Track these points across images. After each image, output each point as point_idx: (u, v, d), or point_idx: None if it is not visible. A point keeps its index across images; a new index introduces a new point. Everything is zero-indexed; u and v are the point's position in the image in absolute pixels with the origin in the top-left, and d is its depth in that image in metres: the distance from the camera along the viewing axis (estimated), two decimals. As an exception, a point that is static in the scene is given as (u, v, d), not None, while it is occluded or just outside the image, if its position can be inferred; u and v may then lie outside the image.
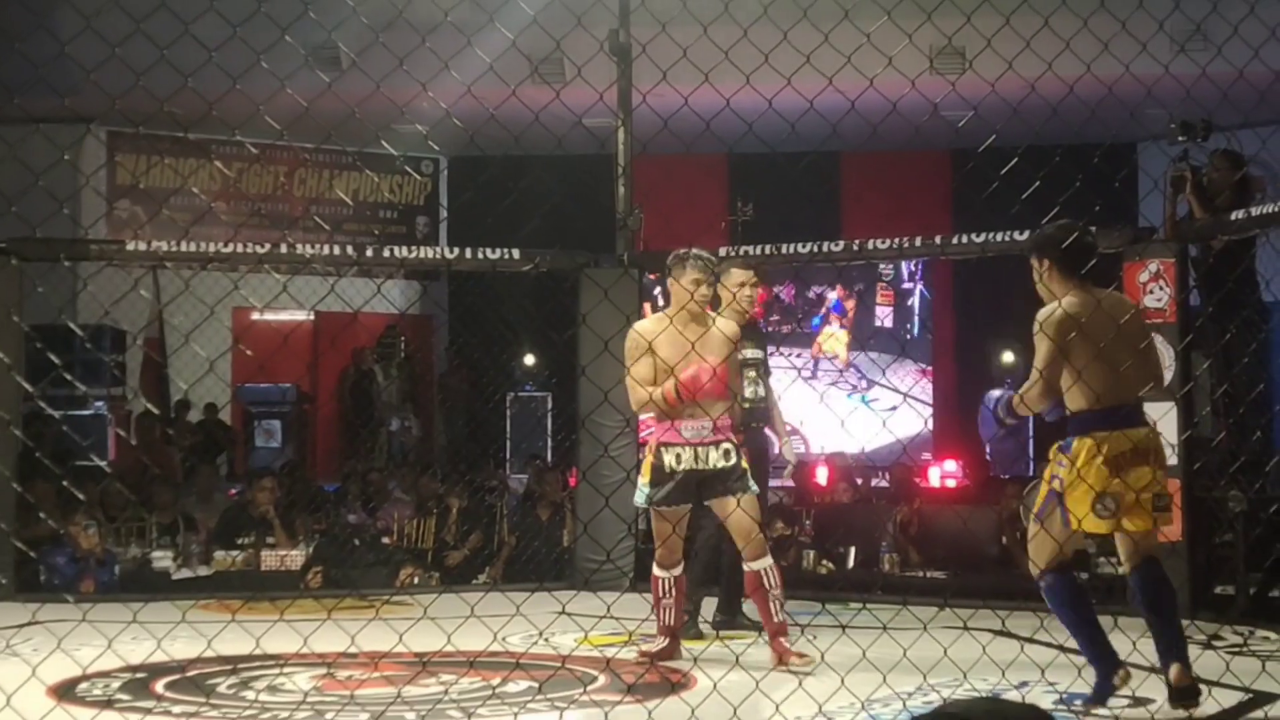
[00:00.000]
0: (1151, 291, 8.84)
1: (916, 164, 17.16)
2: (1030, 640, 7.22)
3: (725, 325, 7.06)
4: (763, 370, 7.97)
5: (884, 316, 17.45)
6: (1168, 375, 8.63)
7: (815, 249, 10.05)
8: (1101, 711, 5.69)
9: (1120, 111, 7.02)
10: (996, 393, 6.09)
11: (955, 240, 9.60)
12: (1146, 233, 9.33)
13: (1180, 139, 9.38)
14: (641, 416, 7.37)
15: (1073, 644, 6.73)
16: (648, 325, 7.01)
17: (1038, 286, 5.73)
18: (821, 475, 12.87)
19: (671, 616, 7.04)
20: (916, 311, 17.58)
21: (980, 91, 6.60)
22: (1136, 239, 9.11)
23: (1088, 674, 6.02)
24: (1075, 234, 5.67)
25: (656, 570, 7.03)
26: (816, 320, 17.33)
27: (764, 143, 6.72)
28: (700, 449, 6.81)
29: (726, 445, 6.86)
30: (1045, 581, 5.71)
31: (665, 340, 6.72)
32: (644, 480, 6.92)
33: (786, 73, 5.31)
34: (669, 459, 6.81)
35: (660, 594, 7.02)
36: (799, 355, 17.18)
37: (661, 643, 7.01)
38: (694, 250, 6.95)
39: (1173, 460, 8.53)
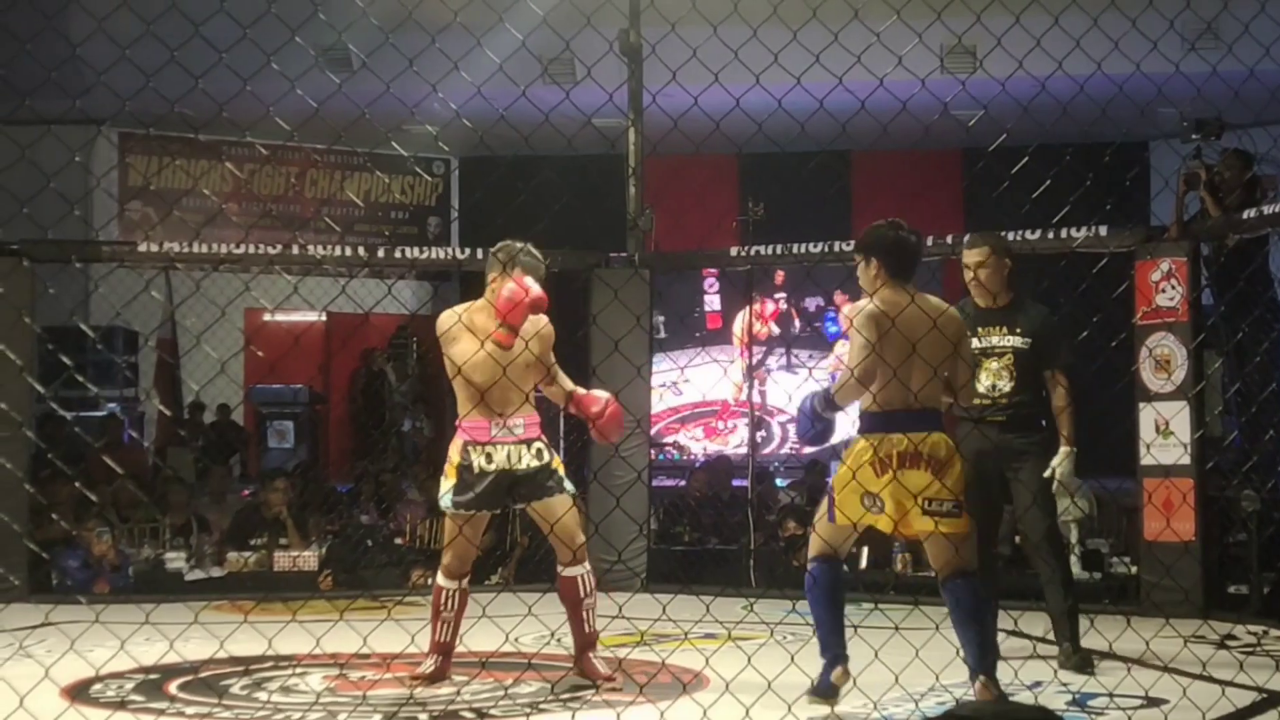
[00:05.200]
0: (1164, 290, 8.83)
1: (927, 163, 17.14)
2: (1043, 640, 7.23)
3: (544, 323, 6.56)
4: None
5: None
6: (1179, 374, 8.65)
7: (826, 249, 10.05)
8: (1114, 711, 5.69)
9: (1131, 110, 6.99)
10: (810, 399, 5.90)
11: (966, 239, 9.56)
12: (1158, 232, 9.31)
13: (1193, 137, 9.37)
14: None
15: (1085, 643, 6.75)
16: (461, 311, 6.41)
17: (862, 283, 5.75)
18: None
19: (449, 633, 6.43)
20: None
21: (991, 91, 6.59)
22: (1148, 238, 9.10)
23: (1100, 673, 6.02)
24: (902, 233, 5.73)
25: (442, 580, 6.43)
26: (837, 329, 17.31)
27: (774, 143, 6.72)
28: (512, 448, 6.34)
29: (538, 445, 6.39)
30: (809, 569, 5.79)
31: (478, 326, 6.26)
32: (448, 482, 6.34)
33: (796, 72, 5.31)
34: (478, 459, 6.29)
35: (441, 607, 6.40)
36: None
37: (432, 663, 6.43)
38: (526, 247, 6.47)
39: (1185, 460, 8.54)
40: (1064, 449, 6.93)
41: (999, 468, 6.81)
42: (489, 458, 6.29)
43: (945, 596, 5.63)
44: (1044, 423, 7.00)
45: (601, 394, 6.56)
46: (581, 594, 6.41)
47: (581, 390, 6.61)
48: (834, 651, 5.72)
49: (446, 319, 6.35)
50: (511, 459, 6.32)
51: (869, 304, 5.57)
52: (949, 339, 5.60)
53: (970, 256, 7.08)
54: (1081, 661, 6.72)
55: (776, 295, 17.33)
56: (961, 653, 5.69)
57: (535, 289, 6.23)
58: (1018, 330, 6.90)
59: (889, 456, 5.46)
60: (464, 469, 6.30)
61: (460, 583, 6.44)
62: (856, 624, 6.67)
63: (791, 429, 16.79)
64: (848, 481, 5.52)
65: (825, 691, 5.70)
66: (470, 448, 6.31)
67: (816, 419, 5.81)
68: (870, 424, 5.57)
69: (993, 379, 6.86)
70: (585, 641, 6.42)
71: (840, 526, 5.64)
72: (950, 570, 5.58)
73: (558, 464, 6.46)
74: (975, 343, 6.84)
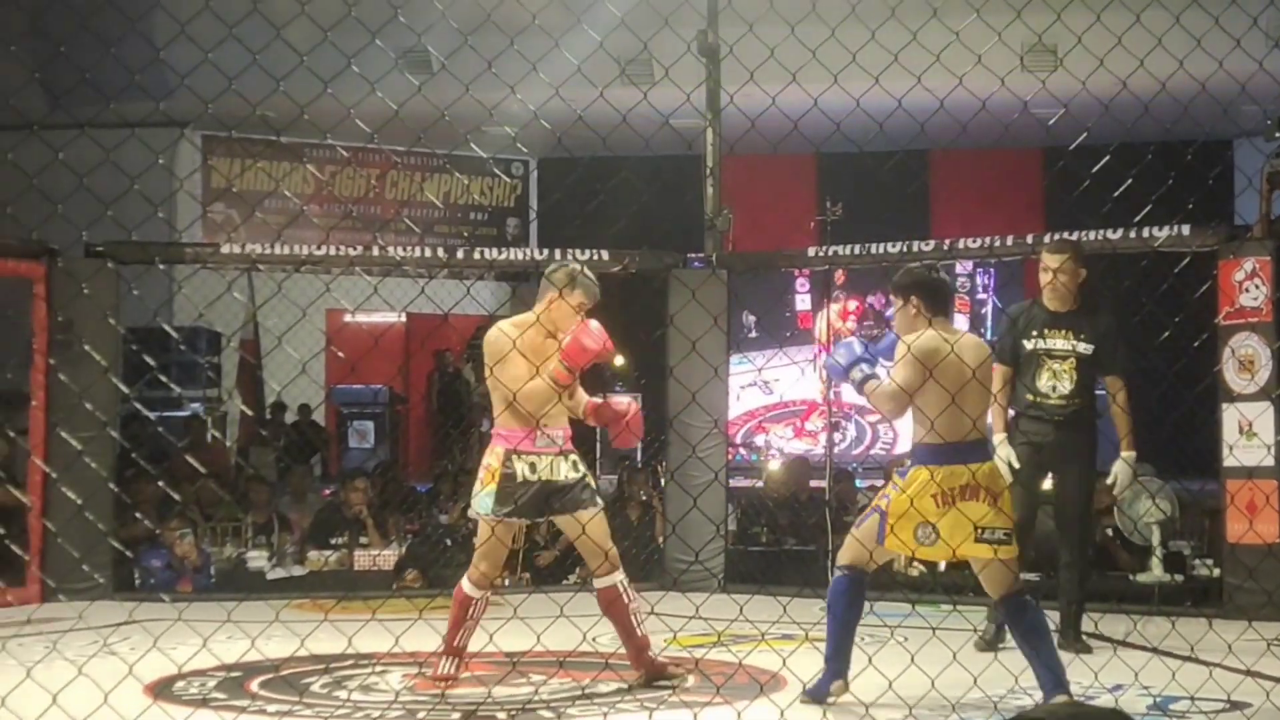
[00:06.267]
0: (1247, 290, 8.73)
1: (1007, 162, 17.05)
2: (1123, 643, 7.17)
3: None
4: None
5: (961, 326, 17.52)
6: (1263, 375, 8.55)
7: (905, 249, 9.99)
8: (1196, 715, 5.64)
9: (1214, 109, 6.94)
10: (857, 346, 5.91)
11: (1047, 239, 9.47)
12: (1242, 231, 9.21)
13: (1277, 135, 9.27)
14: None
15: (1167, 646, 6.70)
16: (511, 329, 6.36)
17: (899, 322, 5.87)
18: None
19: (467, 639, 6.43)
20: (990, 321, 17.59)
21: (1071, 89, 6.54)
22: (1232, 237, 9.00)
23: (1182, 676, 5.96)
24: (938, 274, 5.94)
25: (470, 590, 6.40)
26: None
27: (852, 142, 6.71)
28: (553, 459, 6.35)
29: (574, 457, 6.44)
30: (837, 574, 5.92)
31: (528, 344, 6.26)
32: (487, 489, 6.30)
33: (875, 72, 5.30)
34: (522, 468, 6.28)
35: (467, 616, 6.40)
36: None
37: (450, 664, 6.42)
38: (583, 269, 6.52)
39: (1269, 461, 8.45)
40: (1123, 455, 7.40)
41: (1052, 461, 7.31)
42: (532, 467, 6.31)
43: (1004, 617, 5.81)
44: (1094, 423, 7.45)
45: (624, 399, 6.65)
46: (625, 600, 6.40)
47: (598, 399, 6.70)
48: (837, 664, 5.85)
49: (499, 338, 6.31)
50: (553, 470, 6.35)
51: (927, 337, 5.64)
52: (986, 367, 5.79)
53: (1052, 260, 7.37)
54: (1081, 647, 7.18)
55: (857, 293, 17.38)
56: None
57: (607, 342, 6.30)
58: (1083, 336, 7.29)
59: (952, 490, 5.57)
60: (507, 477, 6.28)
61: (487, 593, 6.46)
62: (935, 625, 6.65)
63: (868, 427, 16.80)
64: (905, 510, 5.60)
65: (818, 696, 5.81)
66: (513, 456, 6.30)
67: (846, 380, 5.91)
68: (930, 455, 5.64)
69: (1054, 380, 7.29)
70: (640, 644, 6.42)
71: (886, 548, 5.77)
72: (1005, 591, 5.70)
73: (590, 476, 6.53)
74: (1040, 343, 7.32)
